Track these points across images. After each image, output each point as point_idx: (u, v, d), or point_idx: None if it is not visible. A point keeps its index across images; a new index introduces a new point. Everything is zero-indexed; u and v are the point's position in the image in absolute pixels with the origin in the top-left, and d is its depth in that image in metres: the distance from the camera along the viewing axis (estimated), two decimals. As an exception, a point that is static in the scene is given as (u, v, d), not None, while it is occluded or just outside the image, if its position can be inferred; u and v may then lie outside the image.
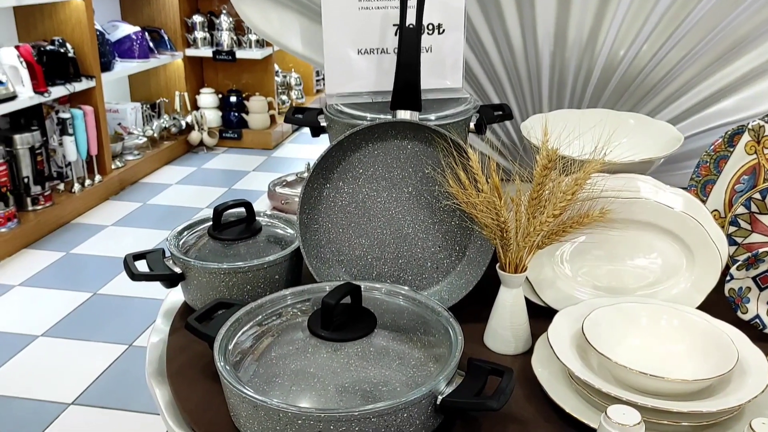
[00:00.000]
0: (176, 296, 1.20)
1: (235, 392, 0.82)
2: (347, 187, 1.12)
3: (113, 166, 4.16)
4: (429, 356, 0.90)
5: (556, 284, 1.10)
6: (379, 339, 0.92)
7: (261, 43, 4.94)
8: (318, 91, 6.22)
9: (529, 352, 1.01)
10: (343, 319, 0.91)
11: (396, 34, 1.20)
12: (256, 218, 1.19)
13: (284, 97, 5.57)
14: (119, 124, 4.53)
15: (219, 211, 1.13)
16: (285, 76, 5.66)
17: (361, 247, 1.13)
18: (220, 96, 5.11)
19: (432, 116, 1.17)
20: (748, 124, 1.17)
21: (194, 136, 4.88)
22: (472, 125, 1.21)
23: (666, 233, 1.06)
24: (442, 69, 1.21)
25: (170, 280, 1.09)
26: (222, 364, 0.86)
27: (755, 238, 1.14)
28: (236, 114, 5.07)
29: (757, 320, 1.04)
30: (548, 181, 0.96)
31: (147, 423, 2.15)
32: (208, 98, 5.06)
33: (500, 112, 1.24)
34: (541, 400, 0.92)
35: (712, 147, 1.20)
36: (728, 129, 1.20)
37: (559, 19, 1.29)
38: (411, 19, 1.07)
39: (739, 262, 1.03)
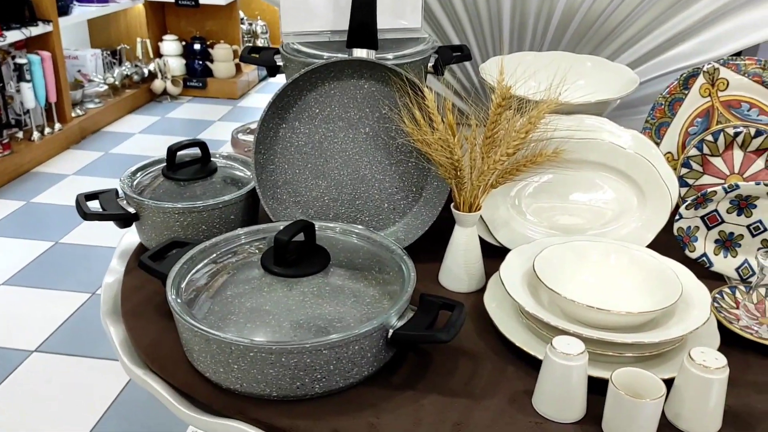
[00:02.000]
0: (132, 238, 1.19)
1: (188, 327, 0.82)
2: (303, 127, 1.10)
3: (73, 114, 4.05)
4: (383, 293, 0.91)
5: (510, 224, 1.11)
6: (334, 276, 0.92)
7: (225, -11, 4.80)
8: (285, 40, 6.09)
9: (483, 290, 1.03)
10: (297, 256, 0.91)
11: (354, -29, 1.17)
12: (212, 159, 1.17)
13: (250, 45, 5.45)
14: (79, 71, 4.40)
15: (173, 150, 1.11)
16: (251, 24, 5.52)
17: (317, 188, 1.13)
18: (184, 43, 4.98)
19: (389, 55, 1.15)
20: (703, 66, 1.18)
21: (157, 84, 4.76)
22: (430, 66, 1.20)
23: (618, 173, 1.07)
24: (401, 8, 1.19)
25: (123, 220, 1.08)
26: (174, 297, 0.86)
27: (706, 179, 1.17)
28: (200, 62, 4.95)
29: (704, 258, 1.07)
30: (503, 120, 0.96)
31: (109, 367, 2.15)
32: (171, 45, 4.93)
33: (458, 53, 1.23)
34: (492, 336, 0.94)
35: (668, 90, 1.21)
36: (683, 72, 1.21)
37: (520, -42, 1.28)
38: (367, -47, 1.05)
39: (688, 202, 1.05)
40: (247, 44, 5.42)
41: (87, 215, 1.05)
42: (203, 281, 0.93)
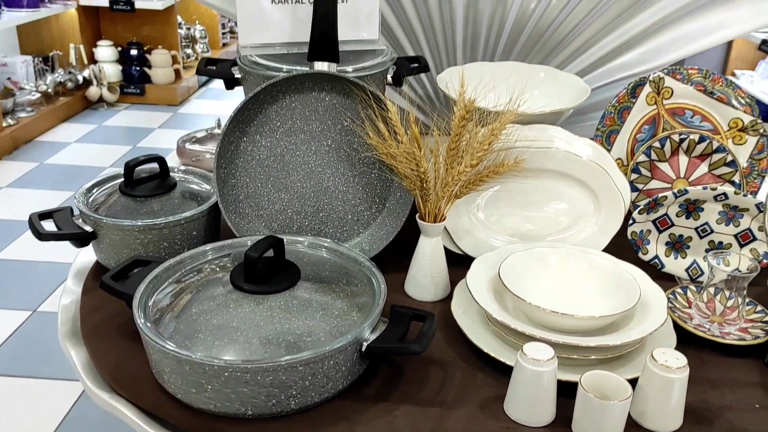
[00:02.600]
0: (87, 256, 1.16)
1: (158, 348, 0.80)
2: (265, 140, 1.10)
3: (4, 124, 3.90)
4: (352, 306, 0.92)
5: (473, 232, 1.13)
6: (302, 291, 0.92)
7: (162, -7, 4.70)
8: (225, 45, 6.01)
9: (448, 298, 1.04)
10: (267, 272, 0.91)
11: (310, -16, 1.17)
12: (170, 174, 1.15)
13: (189, 51, 5.36)
14: (9, 78, 4.23)
15: (131, 166, 1.09)
16: (189, 29, 5.43)
17: (280, 201, 1.12)
18: (120, 49, 4.85)
19: (349, 68, 1.16)
20: (649, 76, 1.23)
21: (93, 91, 4.62)
22: (389, 77, 1.21)
23: (575, 181, 1.11)
24: (358, 20, 1.19)
25: (81, 239, 1.05)
26: (143, 321, 0.84)
27: (654, 184, 1.22)
28: (138, 68, 4.83)
29: (656, 260, 1.12)
30: (465, 132, 0.98)
31: (58, 388, 2.08)
32: (106, 51, 4.79)
33: (416, 65, 1.25)
34: (460, 343, 0.96)
35: (617, 98, 1.25)
36: (631, 81, 1.26)
37: (472, -29, 1.30)
38: (326, -33, 1.05)
39: (641, 207, 1.09)
40: (185, 49, 5.33)
41: (42, 236, 1.01)
42: (168, 300, 0.91)
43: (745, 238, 1.09)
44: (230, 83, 1.21)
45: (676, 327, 0.97)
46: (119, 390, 0.86)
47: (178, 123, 4.61)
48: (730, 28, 1.35)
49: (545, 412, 0.82)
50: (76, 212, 1.08)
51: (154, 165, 1.15)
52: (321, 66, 1.09)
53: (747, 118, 1.19)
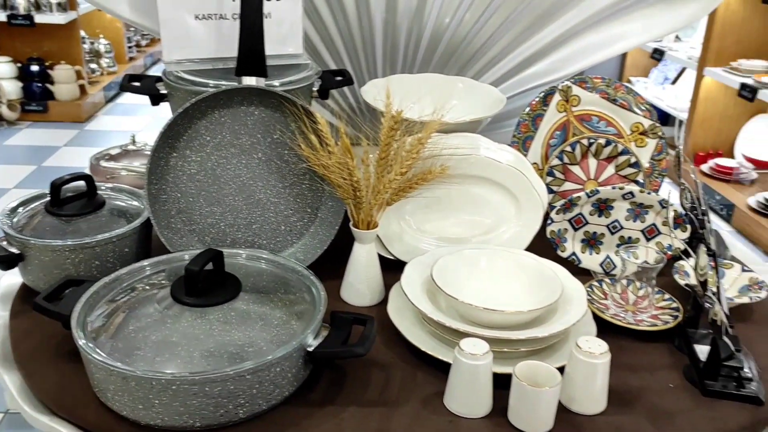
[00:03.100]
0: (12, 279, 1.13)
1: (102, 366, 0.80)
2: (195, 155, 1.10)
3: None
4: (292, 314, 0.94)
5: (403, 238, 1.18)
6: (243, 302, 0.93)
7: (63, 6, 4.53)
8: (131, 59, 5.84)
9: (383, 302, 1.08)
10: (208, 285, 0.92)
11: (234, 0, 1.19)
12: (98, 192, 1.14)
13: (94, 66, 5.18)
14: None
15: (57, 185, 1.07)
16: (93, 43, 5.25)
17: (213, 215, 1.13)
18: (20, 65, 4.64)
19: (276, 82, 1.18)
20: (558, 85, 1.32)
21: (-9, 109, 4.40)
22: (314, 90, 1.24)
23: (496, 185, 1.17)
24: (282, 35, 1.22)
25: (6, 262, 1.02)
26: (84, 341, 0.84)
27: (568, 186, 1.30)
28: (40, 85, 4.63)
29: (574, 257, 1.20)
30: (394, 142, 1.02)
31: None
32: (4, 68, 4.56)
33: (341, 78, 1.28)
34: (398, 345, 1.00)
35: (530, 107, 1.33)
36: (542, 90, 1.34)
37: (390, -13, 1.35)
38: (252, -16, 1.07)
39: (557, 207, 1.17)
40: (90, 64, 5.15)
41: (-34, 259, 0.98)
42: (106, 319, 0.91)
43: (651, 233, 1.19)
44: (156, 99, 1.21)
45: (596, 317, 1.05)
46: (61, 413, 0.85)
47: (86, 140, 4.45)
48: (628, 39, 1.46)
49: (483, 404, 0.87)
50: (-1, 234, 1.05)
51: (80, 183, 1.13)
52: (249, 80, 1.11)
53: (647, 123, 1.30)
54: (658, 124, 1.29)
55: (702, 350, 0.98)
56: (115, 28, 5.62)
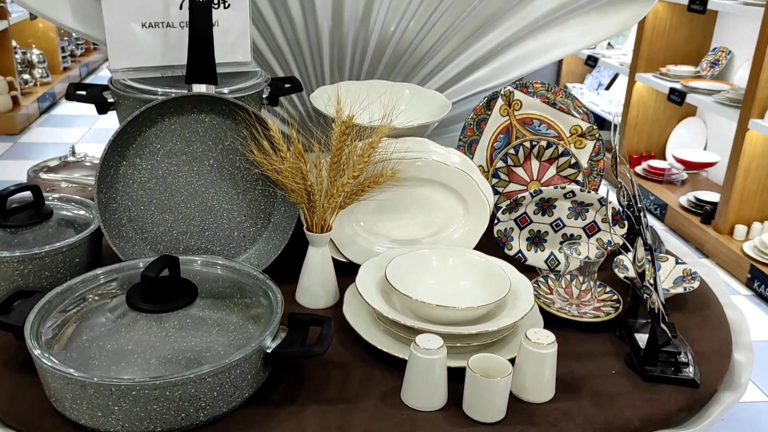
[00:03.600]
0: (-45, 294, 1.10)
1: (60, 375, 0.80)
2: (145, 163, 1.10)
3: None
4: (248, 318, 0.95)
5: (356, 241, 1.20)
6: (199, 308, 0.94)
7: (-6, 16, 4.39)
8: (66, 69, 5.69)
9: (338, 304, 1.10)
10: (164, 291, 0.92)
11: (180, 8, 1.19)
12: (46, 202, 1.12)
13: (27, 76, 5.03)
14: None
15: (3, 196, 1.05)
16: (25, 53, 5.10)
17: (165, 223, 1.13)
18: (-53, 76, 4.47)
19: (225, 90, 1.19)
20: (501, 90, 1.37)
21: None
22: (264, 97, 1.26)
23: (445, 188, 1.21)
24: (230, 43, 1.23)
25: (-49, 276, 1.00)
26: (39, 351, 0.83)
27: (512, 187, 1.35)
28: (-31, 96, 4.47)
29: (520, 254, 1.24)
30: (345, 147, 1.05)
31: None
32: (-70, 79, 4.39)
33: (289, 85, 1.30)
34: (354, 344, 1.02)
35: (474, 111, 1.38)
36: (485, 95, 1.39)
37: (335, -4, 1.38)
38: (200, -8, 1.08)
39: (503, 208, 1.21)
40: (22, 74, 5.00)
41: None
42: (59, 329, 0.90)
43: (591, 230, 1.24)
44: (102, 108, 1.20)
45: (542, 311, 1.09)
46: (16, 425, 0.84)
47: (21, 153, 4.31)
48: (565, 46, 1.53)
49: (439, 397, 0.90)
50: (-58, 248, 1.03)
51: (26, 194, 1.11)
52: (199, 88, 1.12)
53: (585, 125, 1.36)
54: (595, 127, 1.36)
55: (642, 338, 1.03)
56: (48, 38, 5.47)
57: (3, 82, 4.52)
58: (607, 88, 4.68)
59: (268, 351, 0.88)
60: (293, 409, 0.88)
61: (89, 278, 0.98)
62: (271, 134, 1.05)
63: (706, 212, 3.27)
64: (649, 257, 1.01)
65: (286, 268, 1.15)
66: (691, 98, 3.42)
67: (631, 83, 3.93)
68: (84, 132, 4.73)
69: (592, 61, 4.31)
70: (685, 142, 3.94)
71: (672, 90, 3.54)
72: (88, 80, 6.05)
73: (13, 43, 4.78)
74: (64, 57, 5.67)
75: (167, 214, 1.13)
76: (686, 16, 3.77)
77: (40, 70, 5.16)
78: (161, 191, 1.12)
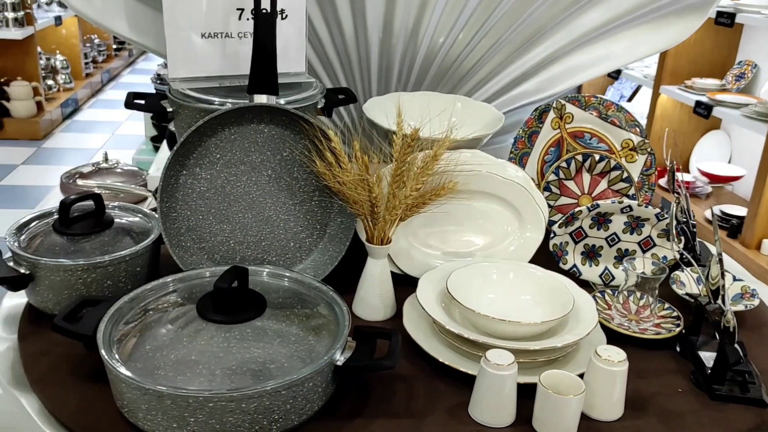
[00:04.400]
0: (13, 301, 1.10)
1: (135, 386, 0.79)
2: (205, 173, 1.11)
3: None
4: (307, 330, 0.94)
5: (410, 253, 1.20)
6: (267, 319, 0.94)
7: (20, 22, 4.43)
8: (88, 75, 5.74)
9: (395, 317, 1.10)
10: (234, 302, 0.92)
11: (239, 18, 1.20)
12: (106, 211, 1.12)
13: (50, 82, 5.07)
14: None
15: (67, 204, 1.05)
16: (49, 59, 5.14)
17: (222, 233, 1.13)
18: (-27, 81, 4.51)
19: (282, 100, 1.19)
20: (553, 103, 1.36)
21: (-57, 126, 4.26)
22: (319, 108, 1.26)
23: (500, 200, 1.20)
24: (286, 53, 1.23)
25: (15, 283, 1.00)
26: (115, 362, 0.83)
27: (563, 200, 1.34)
28: (-5, 101, 4.51)
29: (575, 269, 1.24)
30: (408, 158, 1.05)
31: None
32: (-43, 83, 4.43)
33: (343, 96, 1.30)
34: (415, 357, 1.01)
35: (526, 124, 1.38)
36: (534, 108, 1.39)
37: (387, 8, 1.38)
38: (264, 3, 1.09)
39: (560, 221, 1.21)
40: (46, 80, 5.03)
41: (-24, 281, 0.96)
42: (125, 338, 0.90)
43: (646, 245, 1.23)
44: (160, 117, 1.21)
45: (602, 327, 1.08)
46: (87, 435, 0.84)
47: (44, 158, 4.34)
48: (612, 60, 1.52)
49: (508, 413, 0.89)
50: (5, 254, 1.03)
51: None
52: (260, 98, 1.12)
53: (636, 139, 1.36)
54: (647, 141, 1.35)
55: (706, 356, 1.02)
56: (72, 44, 5.52)
57: (28, 87, 4.56)
58: (629, 100, 4.67)
59: (339, 364, 0.88)
60: (361, 423, 0.88)
61: (158, 286, 0.98)
62: (333, 145, 1.05)
63: (732, 226, 3.24)
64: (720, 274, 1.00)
65: (338, 279, 1.15)
66: (717, 111, 3.40)
67: (656, 95, 3.92)
68: (106, 138, 4.76)
69: (615, 73, 4.30)
70: (710, 156, 3.92)
71: (698, 103, 3.53)
72: (109, 87, 6.10)
73: (38, 49, 4.82)
74: (86, 63, 5.72)
75: (225, 223, 1.13)
76: (712, 29, 3.76)
77: (63, 76, 5.20)
78: (220, 201, 1.12)
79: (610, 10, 1.48)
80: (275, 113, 1.11)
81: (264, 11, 1.08)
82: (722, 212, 3.41)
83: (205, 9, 1.16)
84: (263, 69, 1.09)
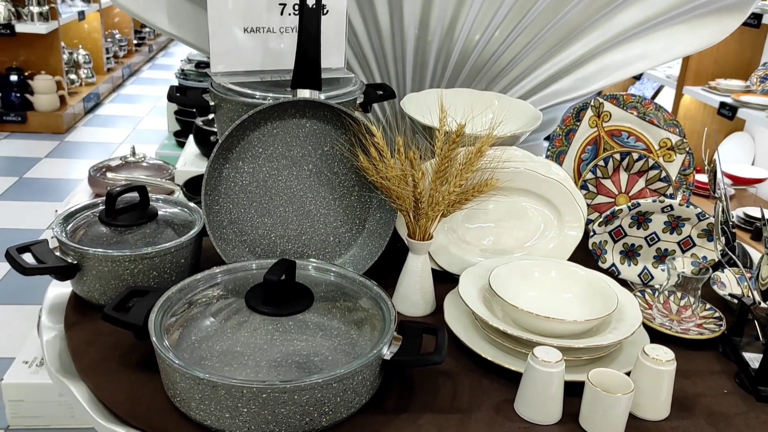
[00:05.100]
0: (58, 290, 1.11)
1: (189, 376, 0.80)
2: (247, 166, 1.11)
3: None
4: (349, 323, 0.95)
5: (449, 249, 1.20)
6: (314, 312, 0.94)
7: (45, 16, 4.47)
8: (109, 70, 5.78)
9: (435, 312, 1.10)
10: (283, 294, 0.92)
11: (281, 14, 1.20)
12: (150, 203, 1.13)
13: (73, 76, 5.11)
14: None
15: (113, 195, 1.06)
16: (72, 53, 5.18)
17: (264, 226, 1.13)
18: (-3, 74, 4.55)
19: (322, 96, 1.19)
20: (591, 101, 1.36)
21: (-32, 119, 4.30)
22: (358, 104, 1.26)
23: (540, 198, 1.20)
24: (326, 50, 1.23)
25: (63, 272, 1.01)
26: (169, 352, 0.83)
27: (600, 199, 1.34)
28: (18, 95, 4.55)
29: (614, 268, 1.23)
30: (452, 154, 1.05)
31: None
32: (-19, 77, 4.48)
33: (382, 92, 1.30)
34: (458, 353, 1.01)
35: (563, 121, 1.37)
36: (566, 106, 1.38)
37: (424, 5, 1.38)
38: (310, -2, 1.09)
39: (600, 220, 1.20)
40: (69, 74, 5.08)
41: (26, 270, 0.97)
42: (170, 328, 0.90)
43: (686, 245, 1.23)
44: (202, 110, 1.21)
45: (644, 327, 1.08)
46: (138, 424, 0.84)
47: (67, 152, 4.37)
48: (649, 59, 1.51)
49: (555, 410, 0.89)
50: (52, 244, 1.04)
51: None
52: (303, 93, 1.12)
53: (675, 138, 1.35)
54: (685, 140, 1.34)
55: (750, 357, 1.02)
56: (94, 39, 5.56)
57: (51, 81, 4.60)
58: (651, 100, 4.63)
59: (386, 358, 0.88)
60: (408, 418, 0.88)
61: (207, 277, 0.98)
62: (376, 140, 1.06)
63: (756, 229, 3.22)
64: None
65: (375, 275, 1.15)
66: (742, 113, 3.37)
67: (678, 96, 3.89)
68: (128, 133, 4.79)
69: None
70: (733, 158, 3.89)
71: (722, 104, 3.50)
72: (130, 82, 6.13)
73: (61, 44, 4.86)
74: (108, 58, 5.76)
75: (266, 217, 1.13)
76: (737, 30, 3.72)
77: (85, 71, 5.24)
78: (261, 194, 1.12)
79: (646, 9, 1.47)
80: (318, 108, 1.11)
81: (310, 6, 1.08)
82: (745, 214, 3.38)
83: (248, 4, 1.17)
84: (307, 64, 1.09)
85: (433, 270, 1.18)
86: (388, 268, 1.15)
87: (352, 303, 0.99)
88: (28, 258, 1.01)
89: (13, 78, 4.54)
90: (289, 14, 1.21)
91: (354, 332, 0.94)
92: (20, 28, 4.36)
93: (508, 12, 1.43)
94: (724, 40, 3.97)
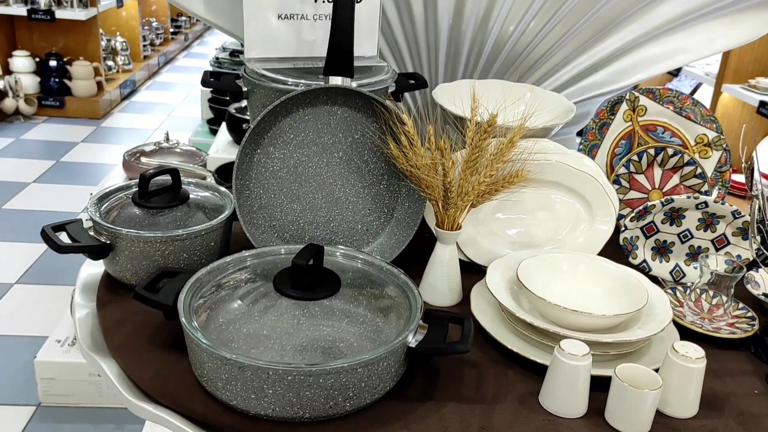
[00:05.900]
0: (90, 269, 1.14)
1: (217, 356, 0.81)
2: (278, 152, 1.12)
3: None
4: (375, 311, 0.95)
5: (477, 240, 1.19)
6: (341, 298, 0.94)
7: (84, 3, 4.55)
8: (146, 57, 5.86)
9: (462, 303, 1.10)
10: (311, 279, 0.93)
11: (315, 1, 1.21)
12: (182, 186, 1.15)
13: (110, 63, 5.19)
14: None
15: (147, 177, 1.08)
16: (110, 40, 5.26)
17: (293, 212, 1.14)
18: (38, 60, 4.64)
19: (354, 84, 1.19)
20: (626, 95, 1.34)
21: (8, 103, 4.39)
22: (389, 93, 1.26)
23: (571, 191, 1.19)
24: (359, 38, 1.23)
25: (97, 251, 1.03)
26: (199, 332, 0.85)
27: (633, 194, 1.32)
28: (57, 80, 4.64)
29: (644, 264, 1.21)
30: (484, 144, 1.04)
31: (7, 414, 1.97)
32: (22, 62, 4.57)
33: (413, 81, 1.30)
34: (483, 344, 1.01)
35: (597, 115, 1.35)
36: (604, 99, 1.36)
37: (459, -7, 1.38)
38: (344, -14, 1.09)
39: (632, 215, 1.19)
40: (106, 61, 5.16)
41: (61, 248, 0.99)
42: (206, 309, 0.92)
43: (720, 243, 1.21)
44: (236, 96, 1.22)
45: (674, 324, 1.06)
46: (166, 402, 0.86)
47: (103, 137, 4.45)
48: (688, 52, 1.48)
49: (581, 404, 0.88)
50: (86, 224, 1.06)
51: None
52: (335, 80, 1.12)
53: (711, 134, 1.32)
54: (722, 137, 1.32)
55: (783, 358, 1.00)
56: (131, 27, 5.63)
57: (89, 67, 4.68)
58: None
59: (411, 346, 0.88)
60: (432, 406, 0.88)
61: (236, 260, 1.00)
62: (407, 129, 1.05)
63: (794, 231, 3.15)
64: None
65: (402, 264, 1.15)
66: (783, 112, 3.30)
67: (717, 94, 3.81)
68: (162, 119, 4.85)
69: (675, 70, 4.19)
70: (772, 158, 3.80)
71: (762, 103, 3.42)
72: (165, 69, 6.21)
73: (100, 30, 4.94)
74: (144, 45, 5.83)
75: (295, 203, 1.14)
76: (780, 27, 3.63)
77: (122, 58, 5.32)
78: (291, 180, 1.13)
79: (686, 2, 1.44)
80: (349, 95, 1.11)
81: (344, -7, 1.08)
82: (783, 216, 3.30)
83: (283, -10, 1.18)
84: (340, 51, 1.09)
85: (460, 261, 1.18)
86: (415, 258, 1.15)
87: (378, 290, 0.99)
88: (62, 237, 1.03)
89: (53, 63, 4.63)
90: (324, 2, 1.21)
91: (380, 320, 0.94)
92: (60, 14, 4.44)
93: (543, 2, 1.41)
94: (765, 37, 3.89)
